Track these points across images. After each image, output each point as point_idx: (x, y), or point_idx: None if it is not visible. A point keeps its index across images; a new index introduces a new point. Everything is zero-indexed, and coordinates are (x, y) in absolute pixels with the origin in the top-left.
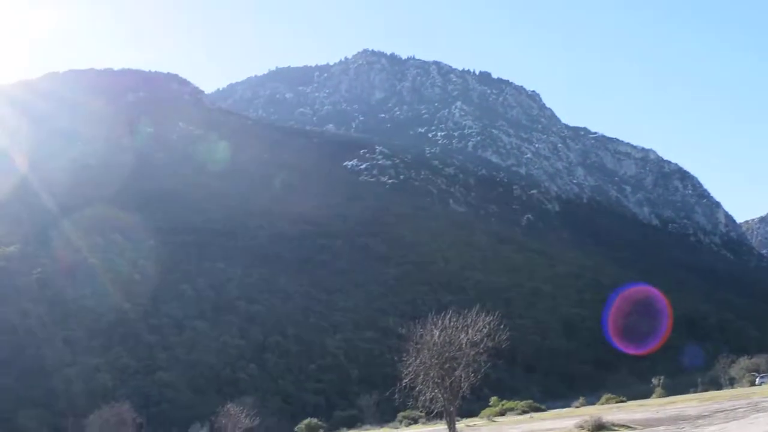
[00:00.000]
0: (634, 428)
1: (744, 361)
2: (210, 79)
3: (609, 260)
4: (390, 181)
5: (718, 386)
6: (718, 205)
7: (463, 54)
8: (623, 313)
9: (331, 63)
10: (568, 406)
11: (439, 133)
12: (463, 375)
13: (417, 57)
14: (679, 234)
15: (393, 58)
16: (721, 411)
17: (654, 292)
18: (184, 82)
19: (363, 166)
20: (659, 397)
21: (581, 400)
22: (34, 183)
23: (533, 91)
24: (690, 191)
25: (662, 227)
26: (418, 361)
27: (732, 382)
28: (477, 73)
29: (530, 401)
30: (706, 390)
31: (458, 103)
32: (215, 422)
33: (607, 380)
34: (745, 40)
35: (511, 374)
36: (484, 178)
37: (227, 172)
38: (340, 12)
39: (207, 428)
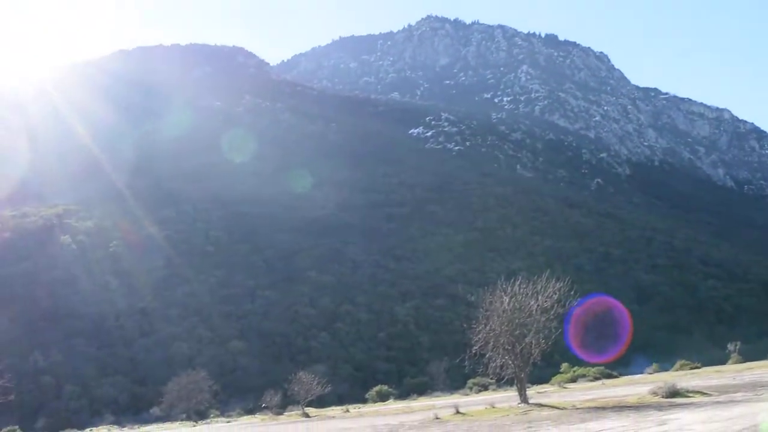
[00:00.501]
0: (710, 394)
1: None
2: (275, 52)
3: (682, 223)
4: (456, 147)
5: None
6: None
7: (529, 17)
8: (584, 324)
9: (395, 30)
10: (641, 372)
11: (505, 98)
12: (533, 341)
13: (481, 21)
14: (755, 195)
15: (457, 24)
16: None
17: (614, 302)
18: (250, 55)
19: (429, 134)
20: (735, 363)
21: (654, 366)
22: (104, 159)
23: (601, 53)
24: (767, 151)
25: (737, 189)
26: (488, 327)
27: None
28: (543, 35)
29: (602, 368)
30: None
31: (524, 67)
32: (288, 389)
33: (681, 346)
34: None
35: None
36: (551, 143)
37: (293, 144)
38: None
39: (280, 395)
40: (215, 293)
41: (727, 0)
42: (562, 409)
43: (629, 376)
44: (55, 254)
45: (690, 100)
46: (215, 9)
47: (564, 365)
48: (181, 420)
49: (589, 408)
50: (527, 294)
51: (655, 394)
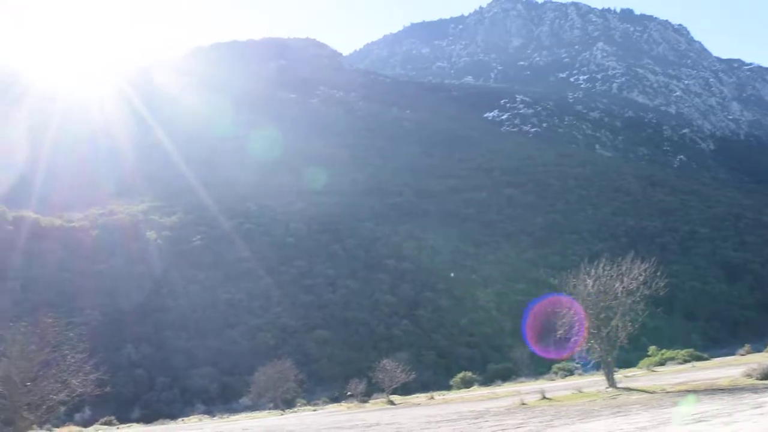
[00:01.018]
0: None
1: None
2: (347, 41)
3: None
4: (533, 129)
5: None
6: None
7: None
8: (539, 321)
9: (466, 14)
10: (733, 354)
11: (581, 77)
12: (619, 324)
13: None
14: None
15: (529, 3)
16: None
17: (569, 302)
18: (322, 46)
19: (504, 117)
20: None
21: (746, 347)
22: (182, 155)
23: (680, 25)
24: None
25: None
26: (572, 311)
27: None
28: (618, 10)
29: (691, 350)
30: None
31: (600, 44)
32: (372, 377)
33: None
34: None
35: (669, 322)
36: (631, 120)
37: (368, 132)
38: None
39: (364, 383)
40: (297, 283)
41: None
42: (651, 393)
43: (720, 358)
44: (141, 249)
45: None
46: (287, 2)
47: (651, 348)
48: (269, 409)
49: (680, 391)
50: (611, 276)
51: (749, 376)
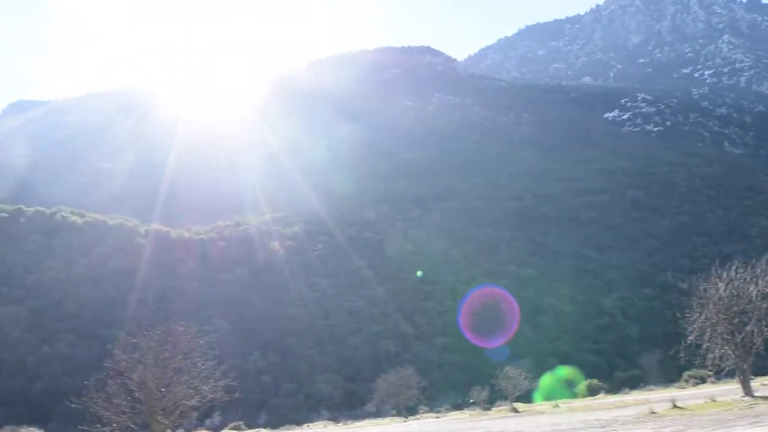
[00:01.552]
0: None
1: None
2: (461, 47)
3: None
4: (656, 128)
5: None
6: None
7: None
8: (473, 311)
9: (582, 13)
10: None
11: (706, 72)
12: (755, 330)
13: None
14: None
15: None
16: None
17: (503, 293)
18: (437, 53)
19: (625, 116)
20: None
21: None
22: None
23: None
24: None
25: None
26: (703, 317)
27: None
28: (744, 0)
29: None
30: None
31: (725, 37)
32: (495, 384)
33: None
34: None
35: None
36: (762, 115)
37: (484, 137)
38: None
39: (487, 390)
40: (417, 290)
41: None
42: None
43: None
44: (265, 259)
45: None
46: (401, 11)
47: None
48: (392, 416)
49: None
50: (745, 279)
51: None
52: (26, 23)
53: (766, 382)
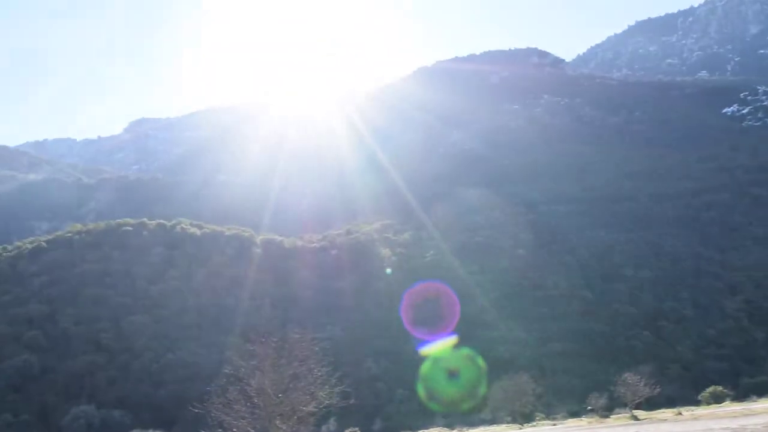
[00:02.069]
0: None
1: None
2: (569, 47)
3: None
4: None
5: None
6: None
7: None
8: (414, 304)
9: (696, 5)
10: None
11: None
12: None
13: None
14: None
15: None
16: None
17: (444, 288)
18: (544, 54)
19: (745, 111)
20: None
21: None
22: (404, 174)
23: None
24: None
25: None
26: None
27: None
28: None
29: None
30: None
31: None
32: (613, 391)
33: None
34: None
35: None
36: None
37: (595, 138)
38: None
39: (605, 397)
40: (529, 296)
41: None
42: None
43: None
44: (377, 266)
45: None
46: (507, 14)
47: None
48: (507, 422)
49: None
50: None
51: None
52: (143, 46)
53: None
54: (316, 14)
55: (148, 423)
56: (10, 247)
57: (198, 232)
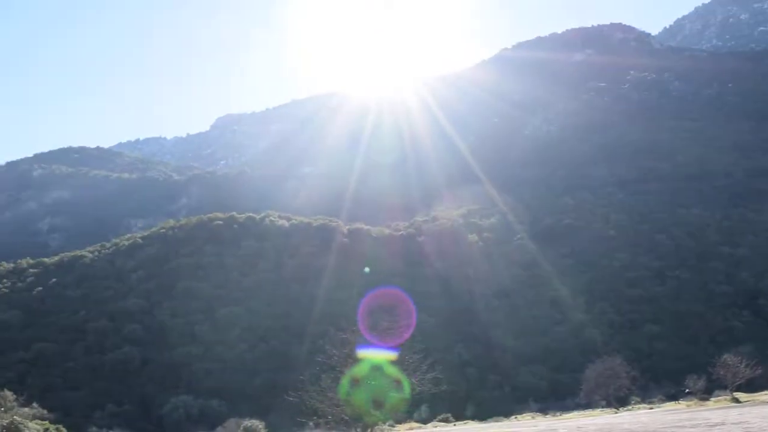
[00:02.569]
0: None
1: None
2: (655, 20)
3: None
4: None
5: None
6: None
7: None
8: (371, 310)
9: None
10: None
11: None
12: None
13: None
14: None
15: None
16: None
17: (401, 294)
18: (628, 29)
19: None
20: None
21: None
22: (486, 159)
23: None
24: None
25: None
26: None
27: None
28: None
29: None
30: None
31: None
32: (712, 373)
33: None
34: None
35: None
36: None
37: (686, 113)
38: None
39: (703, 380)
40: (621, 277)
41: None
42: None
43: None
44: (465, 252)
45: None
46: None
47: None
48: (602, 406)
49: None
50: None
51: None
52: (225, 45)
53: None
54: (386, 6)
55: (245, 412)
56: (108, 245)
57: (286, 223)
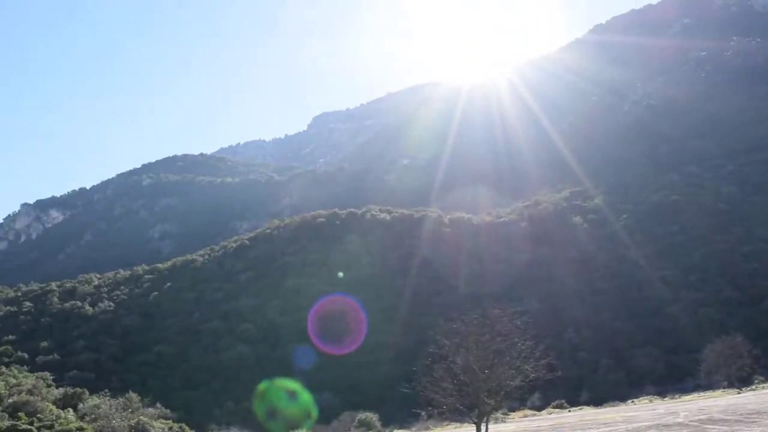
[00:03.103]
0: None
1: None
2: None
3: None
4: None
5: None
6: None
7: None
8: (320, 317)
9: None
10: None
11: None
12: None
13: None
14: None
15: None
16: None
17: (351, 302)
18: None
19: None
20: None
21: None
22: (583, 141)
23: None
24: None
25: None
26: None
27: None
28: None
29: None
30: None
31: None
32: None
33: None
34: None
35: None
36: None
37: None
38: None
39: None
40: (736, 252)
41: None
42: None
43: None
44: (570, 235)
45: None
46: None
47: None
48: (723, 387)
49: None
50: None
51: None
52: (319, 44)
53: None
54: None
55: (358, 404)
56: (216, 247)
57: (388, 217)
